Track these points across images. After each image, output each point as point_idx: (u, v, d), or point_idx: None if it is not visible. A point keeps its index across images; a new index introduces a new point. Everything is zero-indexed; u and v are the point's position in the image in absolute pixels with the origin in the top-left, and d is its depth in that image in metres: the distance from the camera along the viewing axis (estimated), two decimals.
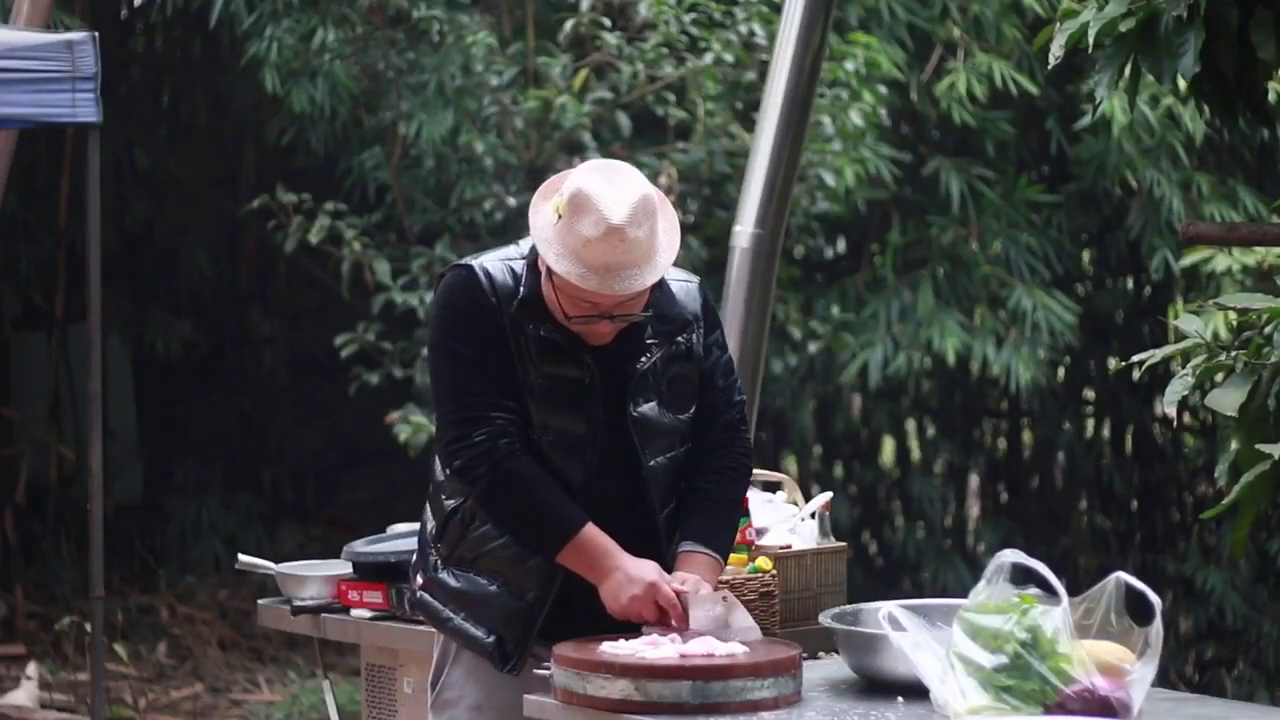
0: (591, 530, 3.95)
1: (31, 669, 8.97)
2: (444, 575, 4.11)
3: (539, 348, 3.97)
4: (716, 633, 3.90)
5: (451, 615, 4.09)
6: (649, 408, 4.04)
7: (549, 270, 3.93)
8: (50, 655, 9.53)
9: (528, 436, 3.99)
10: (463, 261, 4.05)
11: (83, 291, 7.03)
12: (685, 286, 4.15)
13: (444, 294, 4.04)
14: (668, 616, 3.93)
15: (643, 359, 4.03)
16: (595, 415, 3.99)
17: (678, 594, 3.92)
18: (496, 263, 4.02)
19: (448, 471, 4.05)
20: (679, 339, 4.08)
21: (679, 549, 4.07)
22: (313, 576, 5.18)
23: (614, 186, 3.87)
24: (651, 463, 4.05)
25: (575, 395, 3.98)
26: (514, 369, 3.97)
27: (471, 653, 4.10)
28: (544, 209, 3.94)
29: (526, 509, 3.97)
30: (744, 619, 3.95)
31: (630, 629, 3.95)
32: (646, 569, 3.94)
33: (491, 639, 4.04)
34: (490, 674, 4.08)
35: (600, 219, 3.84)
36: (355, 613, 5.04)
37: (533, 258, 4.02)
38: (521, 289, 3.98)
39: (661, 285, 4.06)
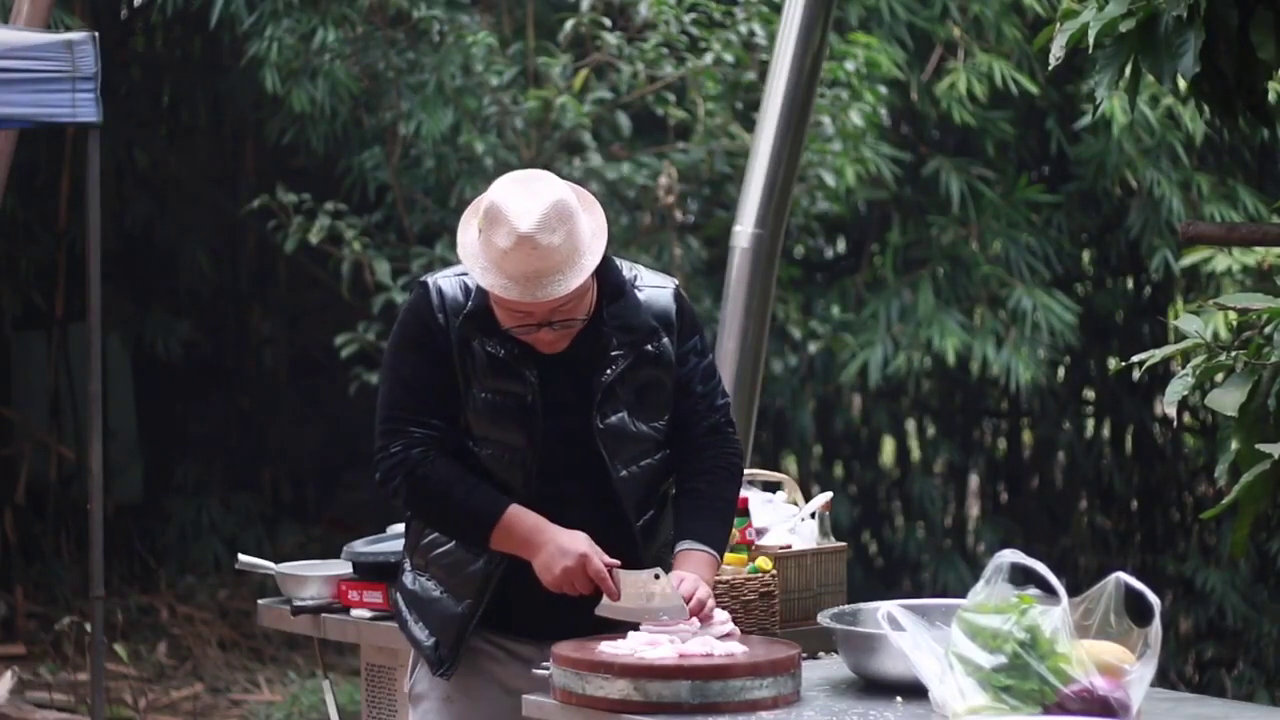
0: (517, 510, 3.99)
1: (8, 674, 8.94)
2: (406, 578, 4.21)
3: (484, 363, 4.01)
4: (642, 608, 3.92)
5: (407, 617, 4.18)
6: (617, 418, 4.05)
7: None
8: (50, 655, 9.53)
9: (467, 449, 4.03)
10: (424, 278, 4.12)
11: (83, 291, 7.02)
12: (658, 292, 4.14)
13: (401, 311, 4.14)
14: (598, 590, 3.96)
15: (608, 371, 4.04)
16: (535, 431, 4.01)
17: (608, 568, 3.95)
18: (451, 278, 4.08)
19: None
20: (647, 347, 4.08)
21: (676, 548, 4.07)
22: (313, 576, 5.18)
23: (526, 195, 3.90)
24: (623, 473, 4.06)
25: (517, 411, 4.01)
26: (450, 389, 4.02)
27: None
28: (471, 226, 3.99)
29: (448, 506, 4.03)
30: (671, 599, 3.93)
31: (615, 628, 3.95)
32: (578, 540, 3.96)
33: (431, 642, 4.11)
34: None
35: (511, 229, 3.86)
36: (355, 613, 5.04)
37: None
38: (470, 303, 4.02)
39: (625, 296, 4.07)
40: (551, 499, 4.02)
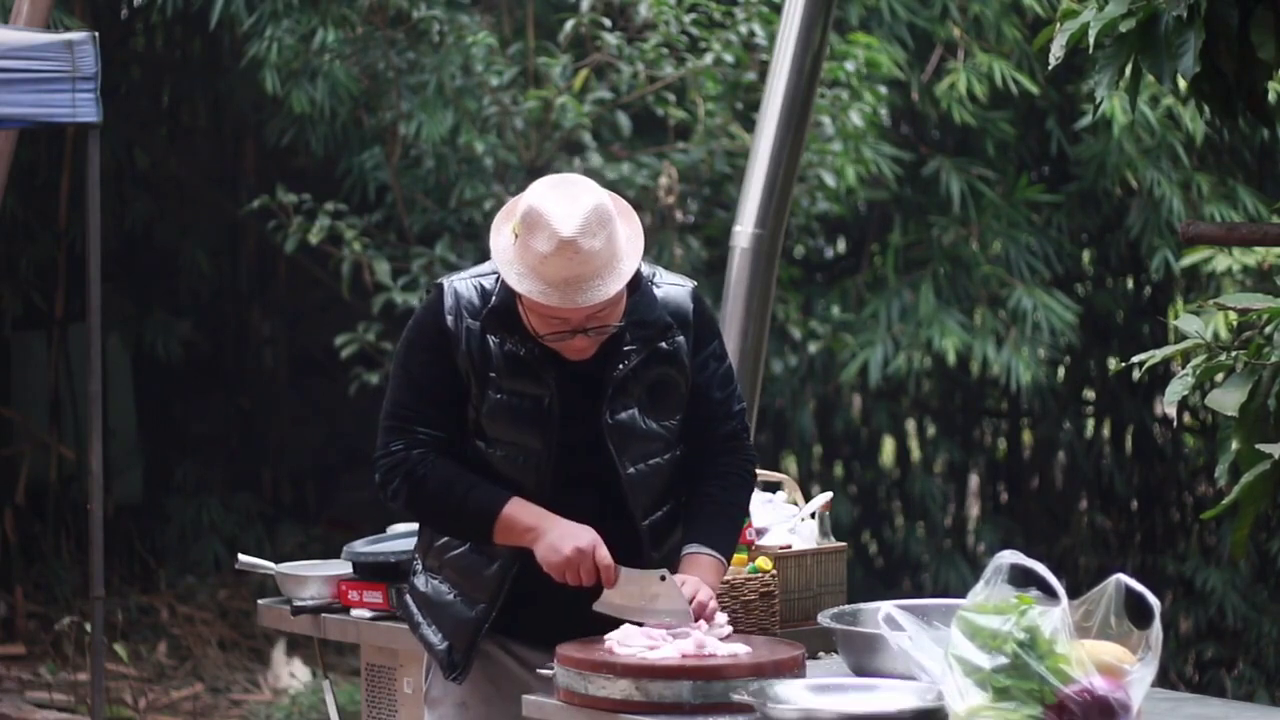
0: (519, 502, 3.96)
1: None
2: (418, 579, 4.18)
3: (501, 362, 3.98)
4: (644, 608, 3.91)
5: (420, 620, 4.16)
6: (626, 415, 4.02)
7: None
8: (50, 655, 9.53)
9: (479, 450, 4.01)
10: (441, 280, 4.09)
11: (83, 291, 7.02)
12: (676, 290, 4.12)
13: (416, 312, 4.11)
14: (597, 580, 3.94)
15: (620, 366, 4.00)
16: (551, 433, 3.98)
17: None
18: (467, 280, 4.05)
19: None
20: (660, 344, 4.05)
21: (683, 550, 4.06)
22: (313, 576, 5.18)
23: (565, 199, 3.85)
24: (630, 470, 4.03)
25: (533, 412, 3.98)
26: (457, 393, 3.99)
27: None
28: (504, 230, 3.94)
29: (448, 505, 4.00)
30: (676, 601, 3.92)
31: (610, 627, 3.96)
32: (587, 529, 3.94)
33: (444, 646, 4.09)
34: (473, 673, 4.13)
35: (552, 234, 3.82)
36: (355, 613, 5.04)
37: None
38: (493, 299, 3.99)
39: (640, 289, 4.03)
40: (560, 495, 4.00)
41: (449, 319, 3.99)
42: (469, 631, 4.06)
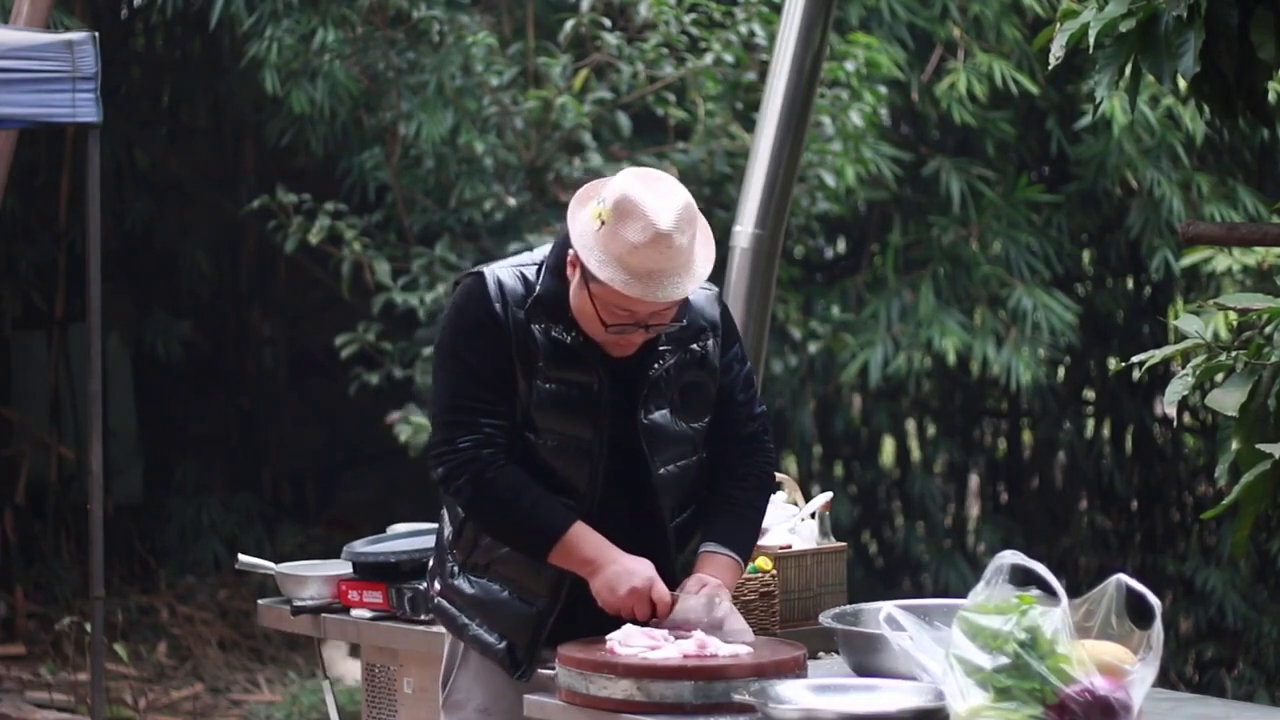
0: (581, 528, 3.95)
1: None
2: (459, 581, 4.13)
3: (549, 351, 3.96)
4: (709, 632, 3.91)
5: (468, 622, 4.11)
6: (660, 415, 4.03)
7: (584, 278, 3.89)
8: (50, 655, 9.53)
9: (528, 442, 3.98)
10: (476, 269, 4.06)
11: (83, 291, 7.03)
12: (704, 294, 4.13)
13: (455, 300, 4.06)
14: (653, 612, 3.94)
15: (655, 365, 4.01)
16: (602, 421, 3.97)
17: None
18: (508, 269, 4.03)
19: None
20: (693, 346, 4.06)
21: (700, 549, 4.06)
22: (313, 576, 5.18)
23: (658, 193, 3.86)
24: (661, 470, 4.04)
25: (583, 401, 3.97)
26: (512, 381, 3.97)
27: (479, 656, 4.12)
28: (583, 215, 3.92)
29: (511, 515, 3.98)
30: (738, 621, 3.95)
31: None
32: (645, 564, 3.95)
33: (503, 645, 4.06)
34: (496, 677, 4.11)
35: (648, 224, 3.82)
36: (355, 613, 5.04)
37: (552, 261, 4.01)
38: (538, 288, 3.97)
39: None
40: (600, 506, 4.00)
41: (496, 305, 3.97)
42: (531, 628, 4.03)
